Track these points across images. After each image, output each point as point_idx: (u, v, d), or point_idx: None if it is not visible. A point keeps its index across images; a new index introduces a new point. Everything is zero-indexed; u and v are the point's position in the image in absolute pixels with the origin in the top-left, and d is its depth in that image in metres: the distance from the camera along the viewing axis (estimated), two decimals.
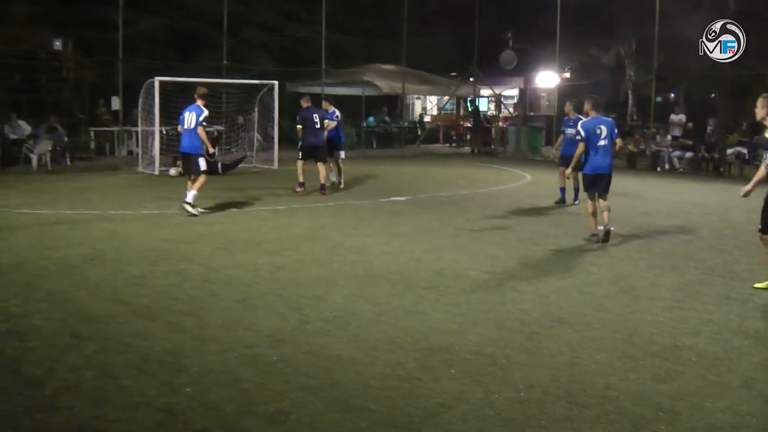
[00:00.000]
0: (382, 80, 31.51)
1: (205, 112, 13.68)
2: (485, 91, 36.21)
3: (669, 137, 26.02)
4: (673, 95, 38.52)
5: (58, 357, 5.98)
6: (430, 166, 24.98)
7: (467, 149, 32.79)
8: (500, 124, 33.42)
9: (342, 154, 18.14)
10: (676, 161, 24.91)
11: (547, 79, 33.83)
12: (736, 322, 7.46)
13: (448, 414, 5.05)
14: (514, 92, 39.26)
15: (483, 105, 37.67)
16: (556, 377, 5.78)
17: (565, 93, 32.91)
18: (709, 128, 25.00)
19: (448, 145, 35.58)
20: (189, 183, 13.46)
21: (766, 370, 6.11)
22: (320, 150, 16.74)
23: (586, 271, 9.49)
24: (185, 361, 6.02)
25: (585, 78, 35.24)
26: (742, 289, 8.76)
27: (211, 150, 14.46)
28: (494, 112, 36.62)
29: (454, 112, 39.14)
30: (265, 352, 6.24)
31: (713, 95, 33.70)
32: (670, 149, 25.21)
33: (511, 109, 37.22)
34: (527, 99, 38.55)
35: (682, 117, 25.90)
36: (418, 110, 40.28)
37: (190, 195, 13.14)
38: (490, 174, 22.25)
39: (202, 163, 13.40)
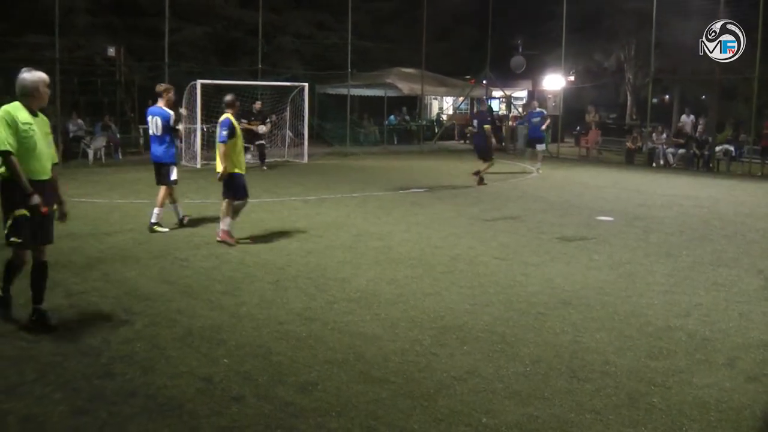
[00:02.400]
0: (402, 82, 31.44)
1: (171, 115, 10.89)
2: (497, 93, 36.03)
3: (664, 135, 25.83)
4: (668, 96, 38.20)
5: (113, 330, 6.04)
6: (446, 160, 24.88)
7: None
8: (510, 123, 33.26)
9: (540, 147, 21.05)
10: (670, 157, 24.71)
11: (554, 81, 33.61)
12: (723, 305, 7.40)
13: (461, 386, 5.06)
14: (523, 94, 39.10)
15: (495, 105, 37.49)
16: (559, 354, 5.77)
17: (569, 95, 32.76)
18: (699, 127, 24.79)
19: (462, 141, 35.44)
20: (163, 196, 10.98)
21: (748, 350, 6.06)
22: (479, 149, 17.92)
23: (588, 257, 9.45)
24: (223, 335, 6.07)
25: (588, 81, 35.03)
26: (729, 276, 8.69)
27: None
28: (505, 112, 36.44)
29: (468, 111, 39.00)
30: (295, 328, 6.28)
31: (704, 97, 33.39)
32: (665, 146, 25.03)
33: (520, 109, 37.05)
34: (535, 100, 38.34)
35: (692, 118, 25.52)
36: (435, 110, 40.17)
37: (155, 215, 10.75)
38: (501, 168, 22.17)
39: (174, 173, 11.00)
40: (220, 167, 9.75)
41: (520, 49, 36.68)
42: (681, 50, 26.03)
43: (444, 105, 40.19)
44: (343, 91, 28.93)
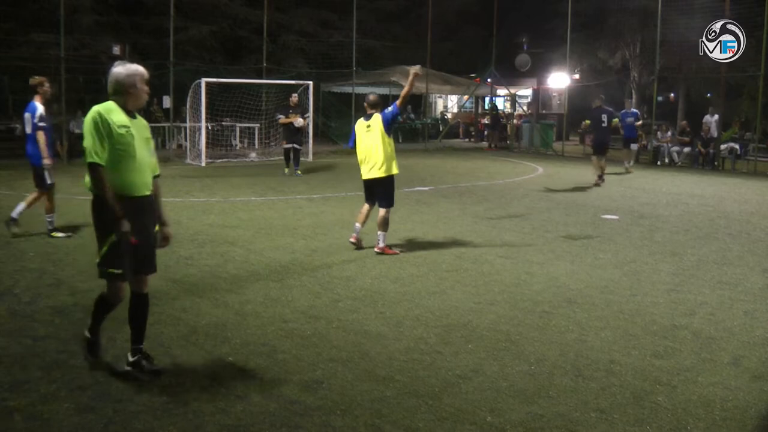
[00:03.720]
0: (407, 81, 31.43)
1: (40, 110, 9.56)
2: (502, 91, 36.01)
3: (669, 134, 25.79)
4: (673, 95, 38.14)
5: (119, 328, 6.05)
6: (451, 159, 24.88)
7: (485, 144, 32.64)
8: (515, 121, 33.24)
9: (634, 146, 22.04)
10: (675, 156, 24.67)
11: (559, 80, 33.60)
12: (728, 304, 7.38)
13: (465, 385, 5.06)
14: (528, 92, 39.07)
15: (500, 104, 37.47)
16: (564, 352, 5.76)
17: (575, 93, 32.72)
18: (713, 126, 24.72)
19: (467, 140, 35.47)
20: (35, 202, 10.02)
21: (753, 348, 6.04)
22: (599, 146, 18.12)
23: (593, 256, 9.43)
24: (228, 333, 6.07)
25: (593, 79, 34.97)
26: (734, 275, 8.67)
27: (46, 161, 9.69)
28: (510, 111, 36.43)
29: (473, 110, 38.99)
30: (300, 326, 6.28)
31: (709, 95, 33.32)
32: (670, 145, 24.98)
33: (525, 108, 37.02)
34: (540, 98, 38.32)
35: (716, 117, 25.47)
36: (440, 108, 40.14)
37: (18, 210, 9.85)
38: (506, 167, 22.15)
39: (48, 177, 9.75)
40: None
41: (525, 48, 36.67)
42: (686, 48, 25.98)
43: (449, 103, 40.18)
44: (347, 89, 28.91)
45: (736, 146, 24.29)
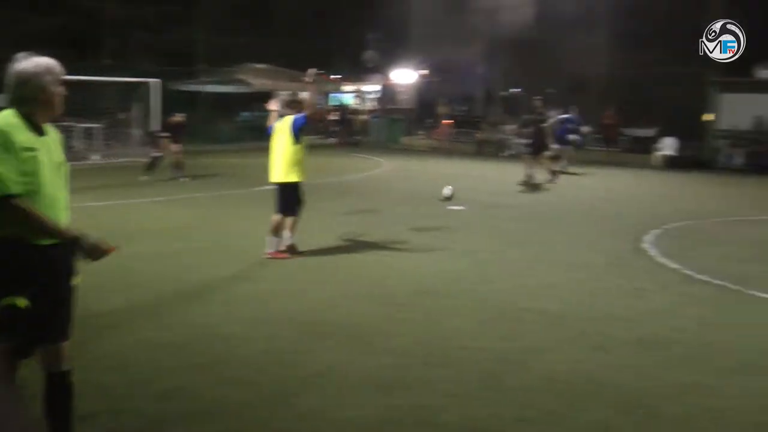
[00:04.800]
0: (254, 78, 31.09)
1: None
2: (350, 87, 36.32)
3: (512, 126, 26.92)
4: (519, 90, 39.69)
5: None
6: None
7: (334, 140, 32.82)
8: (364, 117, 33.60)
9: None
10: (519, 148, 25.74)
11: (406, 75, 34.22)
12: (573, 284, 7.86)
13: (324, 382, 5.09)
14: (376, 87, 39.54)
15: (348, 100, 37.74)
16: (417, 342, 5.92)
17: (423, 89, 33.46)
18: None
19: (317, 136, 35.47)
20: None
21: (595, 322, 6.48)
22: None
23: (444, 247, 9.72)
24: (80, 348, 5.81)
25: (440, 74, 35.85)
26: (579, 257, 9.21)
27: None
28: (358, 106, 36.77)
29: (322, 106, 39.03)
30: (153, 335, 6.08)
31: (550, 90, 34.94)
32: (513, 137, 26.07)
33: (374, 103, 37.47)
34: (388, 94, 38.87)
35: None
36: None
37: None
38: (355, 163, 22.39)
39: None
40: None
41: (373, 43, 37.10)
42: (531, 45, 27.22)
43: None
44: (195, 87, 28.30)
45: (577, 138, 25.71)
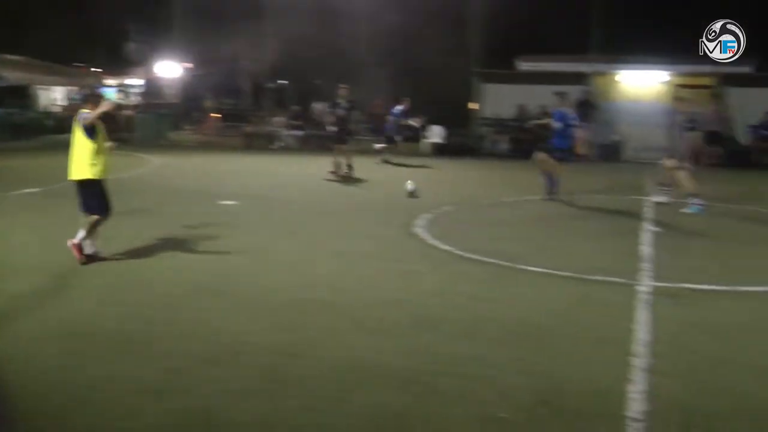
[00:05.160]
0: (7, 71, 28.75)
1: None
2: (112, 81, 34.61)
3: (281, 118, 27.04)
4: (283, 82, 39.83)
5: None
6: (61, 156, 23.24)
7: None
8: (129, 112, 32.15)
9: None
10: (289, 140, 25.93)
11: (170, 69, 33.20)
12: (344, 271, 8.05)
13: (97, 395, 4.79)
14: (140, 81, 37.98)
15: (111, 94, 35.95)
16: (195, 342, 5.76)
17: (189, 82, 32.61)
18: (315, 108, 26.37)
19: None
20: None
21: (370, 306, 6.68)
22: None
23: (218, 243, 9.53)
24: None
25: (205, 68, 35.12)
26: (347, 245, 9.44)
27: None
28: (122, 101, 35.12)
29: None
30: None
31: (317, 81, 35.47)
32: (283, 129, 26.20)
33: (138, 98, 35.98)
34: (153, 88, 37.51)
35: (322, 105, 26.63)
36: (48, 100, 37.30)
37: None
38: (122, 160, 21.30)
39: None
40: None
41: (135, 35, 35.55)
42: (295, 39, 27.37)
43: (57, 95, 37.50)
44: None
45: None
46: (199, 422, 4.41)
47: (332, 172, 16.98)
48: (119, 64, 33.44)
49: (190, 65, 35.52)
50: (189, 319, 6.38)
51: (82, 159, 8.64)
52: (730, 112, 23.22)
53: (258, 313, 6.57)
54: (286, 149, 25.30)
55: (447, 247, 9.31)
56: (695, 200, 12.76)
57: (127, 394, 4.83)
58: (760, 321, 6.62)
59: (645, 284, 7.61)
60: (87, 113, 8.56)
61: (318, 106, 25.98)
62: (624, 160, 23.45)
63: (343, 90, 17.65)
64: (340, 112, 17.54)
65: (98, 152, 8.71)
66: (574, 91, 23.14)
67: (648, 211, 12.66)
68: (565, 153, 13.93)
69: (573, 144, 14.21)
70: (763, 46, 23.00)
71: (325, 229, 10.49)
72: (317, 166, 19.24)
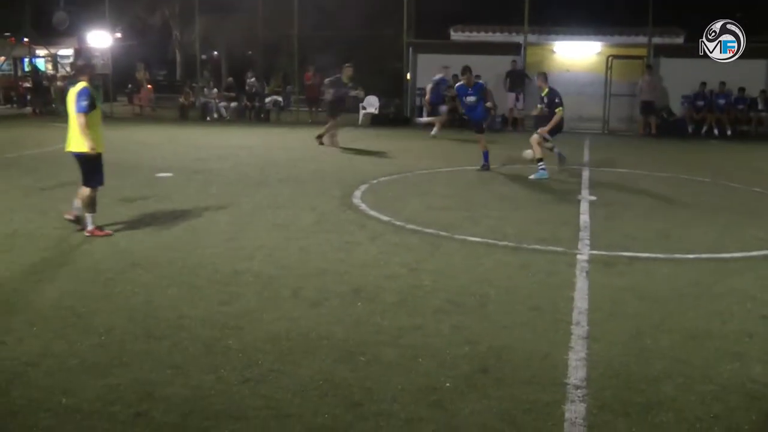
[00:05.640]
0: None
1: None
2: (41, 51, 33.43)
3: (215, 90, 26.56)
4: (216, 53, 39.11)
5: None
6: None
7: (29, 110, 30.10)
8: (59, 83, 31.14)
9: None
10: (223, 111, 25.50)
11: (100, 39, 32.19)
12: (284, 243, 7.99)
13: (34, 371, 4.67)
14: (70, 52, 36.78)
15: (41, 65, 34.72)
16: (133, 317, 5.66)
17: (118, 52, 31.70)
18: (249, 80, 25.95)
19: (9, 106, 32.32)
20: None
21: (309, 279, 6.66)
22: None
23: (154, 216, 9.33)
24: None
25: (136, 38, 34.24)
26: (287, 216, 9.37)
27: None
28: (52, 72, 33.99)
29: (12, 73, 35.55)
30: None
31: (250, 53, 34.94)
32: (218, 101, 25.74)
33: (68, 68, 34.85)
34: (84, 58, 36.38)
35: (253, 79, 26.34)
36: None
37: None
38: (53, 133, 20.70)
39: None
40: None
41: (62, 4, 34.33)
42: (224, 9, 26.85)
43: None
44: None
45: (280, 99, 26.14)
46: (141, 397, 4.33)
47: (323, 143, 17.41)
48: (49, 34, 32.28)
49: (119, 35, 34.55)
50: (127, 294, 6.25)
51: (77, 131, 8.37)
52: (662, 83, 23.75)
53: (197, 286, 6.47)
54: (221, 121, 24.89)
55: (386, 218, 9.32)
56: (540, 165, 13.11)
57: (65, 369, 4.72)
58: (695, 286, 6.82)
59: (583, 253, 7.77)
60: (85, 87, 8.28)
61: (250, 77, 25.65)
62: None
63: (348, 69, 17.56)
64: (343, 91, 17.62)
65: (93, 125, 8.42)
66: (505, 62, 23.51)
67: (583, 181, 12.89)
68: (479, 123, 14.17)
69: (486, 115, 14.58)
70: (695, 18, 23.57)
71: (264, 201, 10.37)
72: (253, 138, 19.03)
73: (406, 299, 6.19)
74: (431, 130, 20.22)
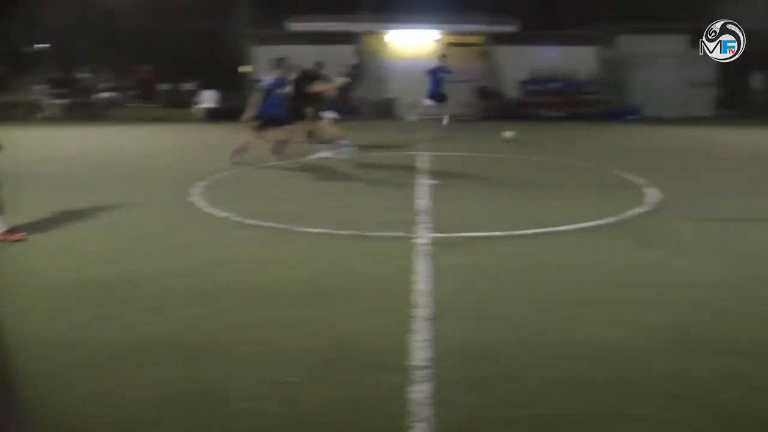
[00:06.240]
0: None
1: None
2: None
3: (44, 87, 25.17)
4: (48, 45, 36.94)
5: None
6: None
7: None
8: None
9: None
10: (54, 109, 24.18)
11: None
12: (122, 246, 7.67)
13: None
14: None
15: None
16: None
17: None
18: (83, 76, 24.80)
19: None
20: None
21: (149, 281, 6.38)
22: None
23: None
24: None
25: None
26: (125, 218, 8.96)
27: None
28: None
29: None
30: None
31: (83, 46, 33.32)
32: (48, 97, 24.38)
33: None
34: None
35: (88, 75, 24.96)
36: None
37: None
38: None
39: None
40: None
41: None
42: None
43: None
44: None
45: (114, 94, 25.10)
46: None
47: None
48: None
49: None
50: None
51: None
52: (499, 68, 24.67)
53: (31, 300, 6.03)
54: (51, 119, 23.52)
55: (225, 214, 9.10)
56: (343, 142, 13.61)
57: None
58: (531, 258, 7.14)
59: (424, 236, 7.90)
60: None
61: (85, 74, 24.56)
62: (397, 117, 24.20)
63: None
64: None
65: None
66: (343, 51, 23.63)
67: (422, 165, 13.14)
68: (268, 120, 13.78)
69: (282, 110, 14.05)
70: (529, 6, 24.63)
71: (98, 203, 9.85)
72: (85, 137, 18.11)
73: (251, 296, 6.06)
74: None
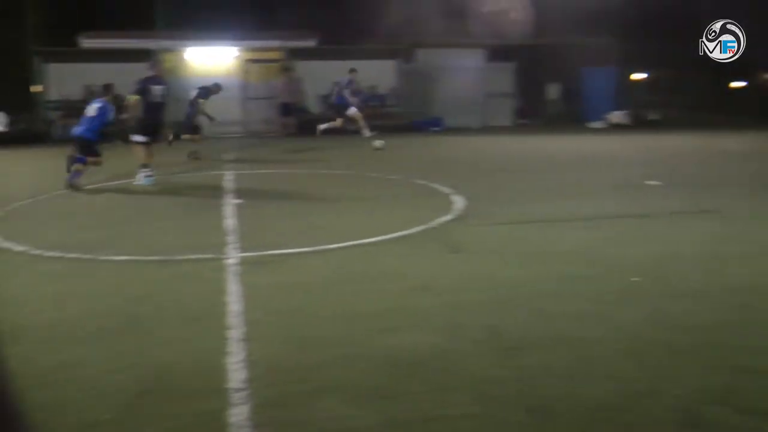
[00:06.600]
0: None
1: None
2: None
3: None
4: None
5: None
6: None
7: None
8: None
9: None
10: None
11: None
12: None
13: None
14: None
15: None
16: None
17: None
18: None
19: None
20: None
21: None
22: None
23: None
24: None
25: None
26: None
27: None
28: None
29: None
30: None
31: None
32: None
33: None
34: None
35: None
36: None
37: None
38: None
39: None
40: None
41: None
42: None
43: None
44: None
45: None
46: None
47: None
48: None
49: None
50: None
51: None
52: (301, 84, 24.84)
53: None
54: None
55: (22, 248, 8.54)
56: (145, 171, 13.34)
57: None
58: (340, 272, 7.30)
59: (233, 256, 7.87)
60: None
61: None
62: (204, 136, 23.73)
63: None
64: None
65: None
66: (140, 69, 22.84)
67: (227, 185, 13.04)
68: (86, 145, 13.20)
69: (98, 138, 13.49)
70: (326, 22, 25.00)
71: None
72: None
73: (54, 334, 5.73)
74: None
